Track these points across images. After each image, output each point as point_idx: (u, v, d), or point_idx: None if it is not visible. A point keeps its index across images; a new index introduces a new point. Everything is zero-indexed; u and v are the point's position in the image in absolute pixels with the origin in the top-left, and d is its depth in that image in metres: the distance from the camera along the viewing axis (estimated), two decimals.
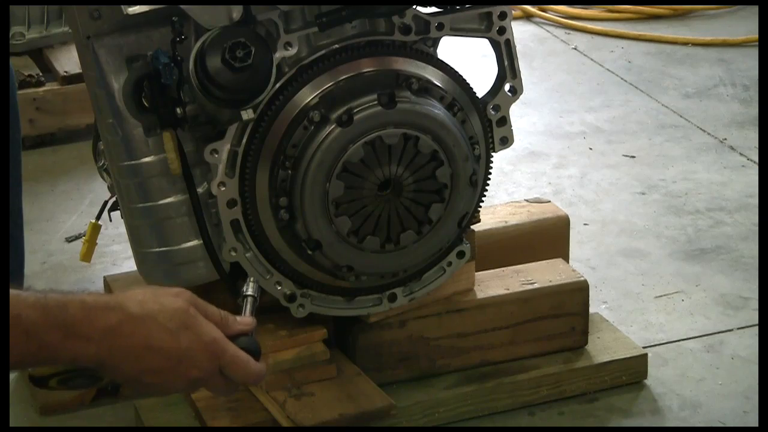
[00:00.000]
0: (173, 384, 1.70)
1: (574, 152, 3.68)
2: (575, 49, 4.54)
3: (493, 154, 2.37)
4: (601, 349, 2.55)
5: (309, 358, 2.35)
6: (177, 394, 2.40)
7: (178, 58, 2.10)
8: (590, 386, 2.51)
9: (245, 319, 1.85)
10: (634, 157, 3.64)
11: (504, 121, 2.36)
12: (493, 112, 2.35)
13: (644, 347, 2.60)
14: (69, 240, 3.19)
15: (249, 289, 2.04)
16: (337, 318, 2.39)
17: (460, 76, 2.29)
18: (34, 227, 3.20)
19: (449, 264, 2.39)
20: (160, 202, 2.23)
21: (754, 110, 3.92)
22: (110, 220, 2.49)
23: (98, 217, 2.51)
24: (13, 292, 1.55)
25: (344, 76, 2.19)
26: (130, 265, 2.34)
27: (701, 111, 3.94)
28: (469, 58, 3.44)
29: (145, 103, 2.15)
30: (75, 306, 1.59)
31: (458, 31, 2.30)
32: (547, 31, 4.72)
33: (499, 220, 2.70)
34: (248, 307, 1.98)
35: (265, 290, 2.27)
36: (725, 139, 3.74)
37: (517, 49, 2.36)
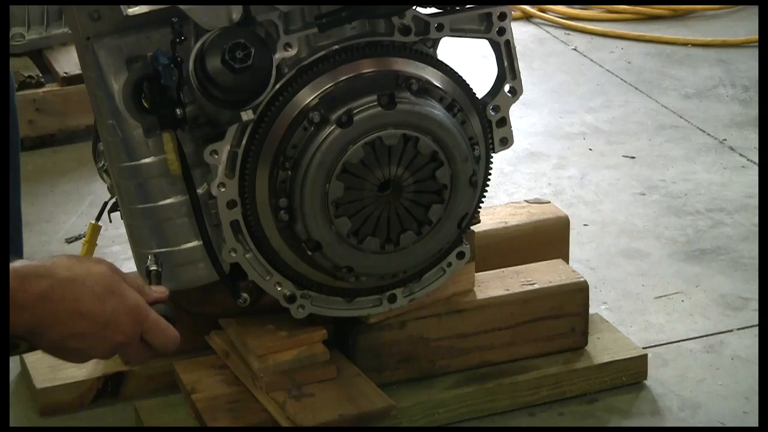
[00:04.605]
0: (96, 348, 1.74)
1: (573, 153, 3.68)
2: (575, 49, 4.54)
3: (492, 154, 2.37)
4: (601, 349, 2.55)
5: (309, 359, 2.35)
6: (177, 395, 2.41)
7: (178, 59, 2.10)
8: (590, 387, 2.51)
9: (160, 288, 1.90)
10: (633, 157, 3.64)
11: (504, 121, 2.36)
12: (492, 113, 2.35)
13: (644, 348, 2.60)
14: (69, 241, 3.19)
15: (152, 265, 2.03)
16: (337, 319, 2.39)
17: (460, 76, 2.29)
18: (34, 228, 3.20)
19: (449, 265, 2.38)
20: (160, 203, 2.23)
21: (753, 111, 3.92)
22: (110, 221, 2.49)
23: (98, 218, 2.51)
24: None
25: (344, 77, 2.18)
26: (130, 266, 2.33)
27: (701, 112, 3.94)
28: (469, 58, 3.44)
29: (145, 104, 2.15)
30: (11, 276, 1.63)
31: (458, 32, 2.30)
32: (547, 31, 4.72)
33: (499, 220, 2.70)
34: (154, 279, 2.00)
35: (266, 291, 2.28)
36: (725, 139, 3.74)
37: (516, 49, 2.35)
